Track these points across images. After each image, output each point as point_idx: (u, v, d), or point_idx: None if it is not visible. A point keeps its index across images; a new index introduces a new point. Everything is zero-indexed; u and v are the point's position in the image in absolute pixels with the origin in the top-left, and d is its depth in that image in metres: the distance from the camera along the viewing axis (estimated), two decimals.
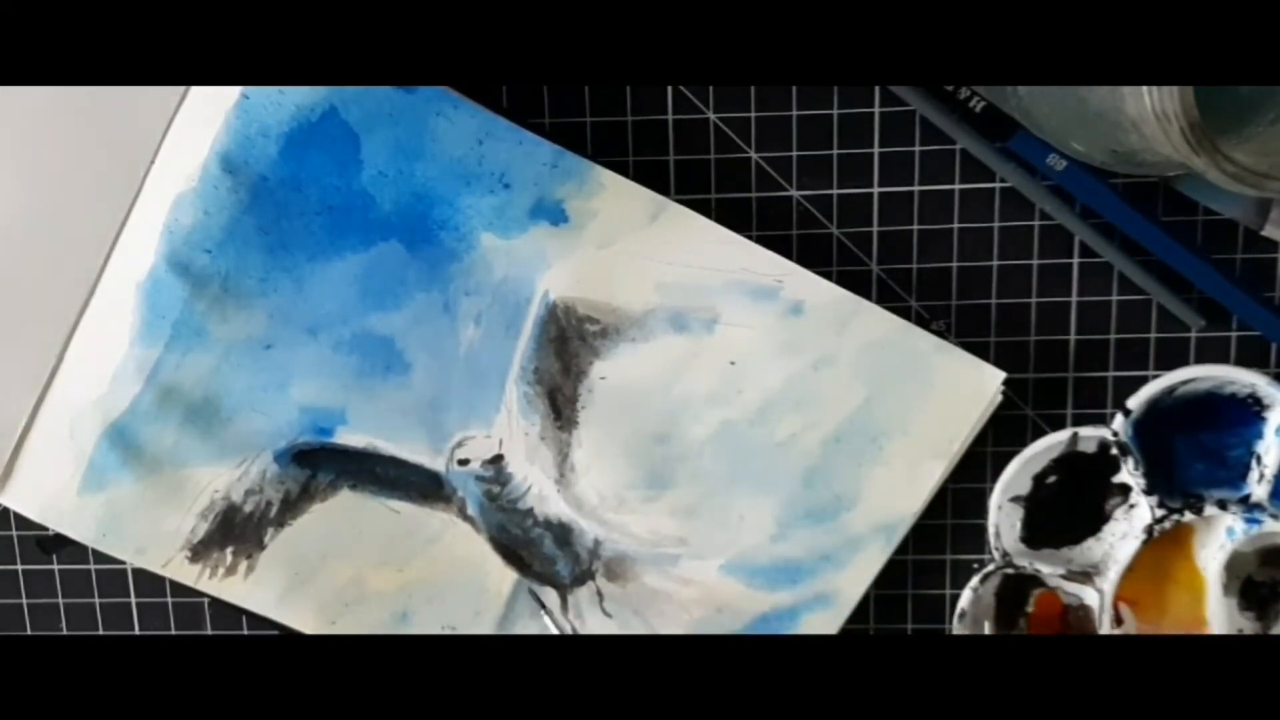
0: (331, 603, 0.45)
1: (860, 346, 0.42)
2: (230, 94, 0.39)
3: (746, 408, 0.43)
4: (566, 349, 0.43)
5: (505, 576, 0.45)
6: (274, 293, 0.41)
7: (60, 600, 0.48)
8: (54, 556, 0.47)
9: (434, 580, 0.45)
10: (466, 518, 0.45)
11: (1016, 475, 0.42)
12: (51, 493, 0.43)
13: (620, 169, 0.41)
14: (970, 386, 0.42)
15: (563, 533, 0.45)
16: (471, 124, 0.40)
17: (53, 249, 0.41)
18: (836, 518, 0.43)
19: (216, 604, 0.45)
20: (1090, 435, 0.42)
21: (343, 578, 0.45)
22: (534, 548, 0.45)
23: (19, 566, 0.48)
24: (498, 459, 0.44)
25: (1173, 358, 0.43)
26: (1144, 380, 0.41)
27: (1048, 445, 0.42)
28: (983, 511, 0.43)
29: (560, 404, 0.43)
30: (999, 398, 0.42)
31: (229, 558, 0.44)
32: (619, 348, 0.43)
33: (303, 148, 0.40)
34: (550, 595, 0.45)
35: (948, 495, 0.44)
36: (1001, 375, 0.42)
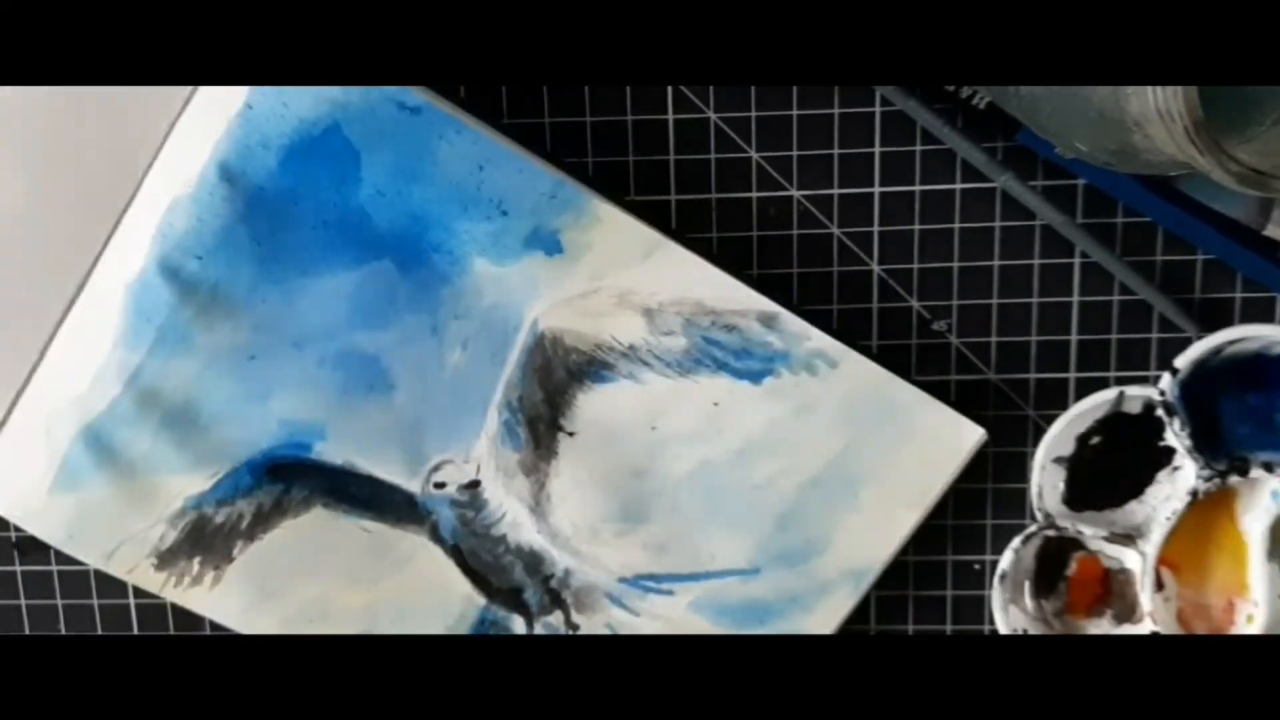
0: (295, 618, 0.44)
1: (843, 395, 0.42)
2: (235, 101, 0.39)
3: (726, 448, 0.43)
4: (551, 379, 0.43)
5: (472, 601, 0.45)
6: (262, 304, 0.41)
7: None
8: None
9: (400, 600, 0.45)
10: (438, 540, 0.44)
11: (1060, 436, 0.42)
12: (22, 490, 0.42)
13: (620, 169, 0.41)
14: (949, 440, 0.42)
15: (533, 561, 0.45)
16: (473, 149, 0.40)
17: (45, 244, 0.41)
18: (807, 561, 0.44)
19: (180, 609, 0.44)
20: (1136, 395, 0.41)
21: (309, 594, 0.44)
22: (504, 574, 0.45)
23: None
24: (474, 484, 0.44)
25: (1175, 358, 0.43)
26: (1145, 380, 0.41)
27: (1092, 405, 0.41)
28: (983, 514, 0.42)
29: (541, 433, 0.43)
30: (975, 451, 0.42)
31: (196, 568, 0.43)
32: (603, 381, 0.43)
33: (302, 161, 0.40)
34: (517, 623, 0.45)
35: (949, 496, 0.44)
36: (980, 432, 0.42)
